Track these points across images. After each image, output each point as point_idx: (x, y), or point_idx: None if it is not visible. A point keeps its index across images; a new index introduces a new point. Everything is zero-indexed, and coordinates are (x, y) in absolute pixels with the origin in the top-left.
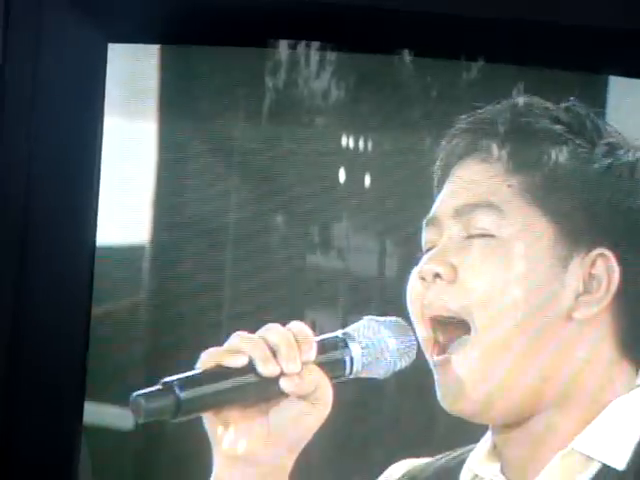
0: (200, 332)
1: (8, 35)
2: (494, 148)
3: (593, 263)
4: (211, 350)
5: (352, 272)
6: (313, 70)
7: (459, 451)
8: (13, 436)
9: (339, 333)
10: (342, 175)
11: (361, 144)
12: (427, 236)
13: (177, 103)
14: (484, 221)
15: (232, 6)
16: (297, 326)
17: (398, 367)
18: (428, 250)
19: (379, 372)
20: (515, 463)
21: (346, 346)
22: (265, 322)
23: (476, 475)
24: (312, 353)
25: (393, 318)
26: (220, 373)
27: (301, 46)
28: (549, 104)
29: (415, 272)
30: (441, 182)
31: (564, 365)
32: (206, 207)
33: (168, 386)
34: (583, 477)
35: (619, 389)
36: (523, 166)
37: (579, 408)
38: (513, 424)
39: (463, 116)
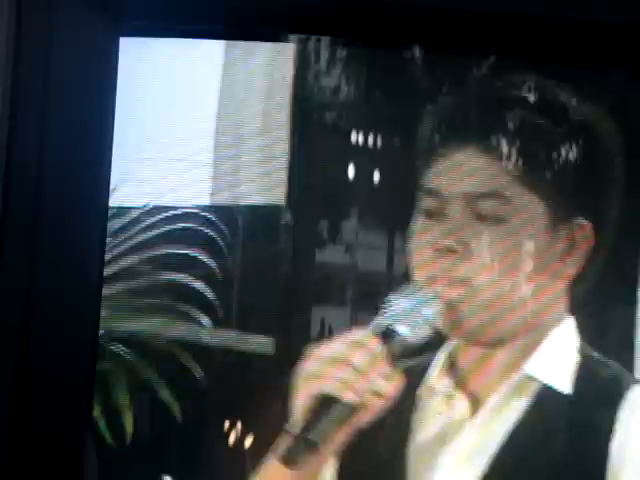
0: None
1: (20, 30)
2: (494, 140)
3: (573, 230)
4: (308, 379)
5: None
6: (323, 65)
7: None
8: (24, 438)
9: (385, 325)
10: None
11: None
12: (426, 203)
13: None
14: (493, 206)
15: (244, 0)
16: (361, 335)
17: (433, 327)
18: (427, 212)
19: (423, 337)
20: (469, 379)
21: (396, 331)
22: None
23: (431, 386)
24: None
25: (417, 289)
26: (326, 406)
27: (312, 41)
28: (526, 90)
29: (425, 240)
30: (426, 157)
31: (538, 307)
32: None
33: (298, 437)
34: (532, 399)
35: (556, 320)
36: (521, 156)
37: (530, 337)
38: (486, 344)
39: (445, 96)
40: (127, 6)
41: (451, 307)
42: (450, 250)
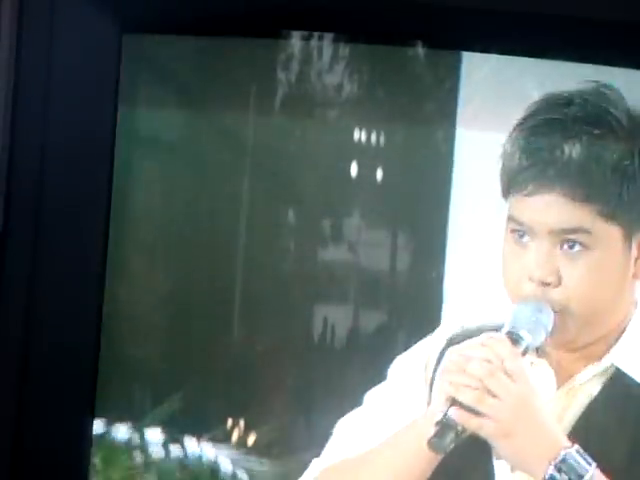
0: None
1: (22, 27)
2: (575, 183)
3: None
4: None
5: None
6: (325, 62)
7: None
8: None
9: (509, 329)
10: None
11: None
12: (512, 226)
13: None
14: (578, 239)
15: None
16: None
17: (548, 332)
18: (514, 232)
19: (540, 341)
20: (551, 353)
21: (521, 337)
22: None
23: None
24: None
25: (532, 303)
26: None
27: (314, 38)
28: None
29: (516, 269)
30: (507, 188)
31: (623, 304)
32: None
33: (444, 424)
34: (617, 388)
35: (633, 312)
36: (599, 196)
37: (611, 329)
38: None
39: (530, 143)
40: (130, 4)
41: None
42: (544, 282)
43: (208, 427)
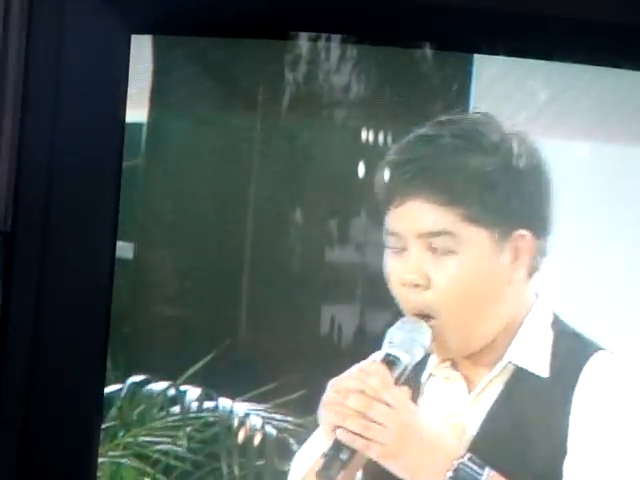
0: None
1: (32, 27)
2: (432, 191)
3: (516, 241)
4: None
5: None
6: (334, 63)
7: None
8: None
9: (387, 352)
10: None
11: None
12: (390, 242)
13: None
14: (444, 242)
15: None
16: (377, 375)
17: (426, 347)
18: (392, 249)
19: (420, 357)
20: (463, 365)
21: (398, 359)
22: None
23: (431, 373)
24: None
25: (411, 320)
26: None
27: (323, 40)
28: (452, 136)
29: (394, 275)
30: (385, 205)
31: (506, 308)
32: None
33: (330, 457)
34: (517, 384)
35: (527, 308)
36: (459, 199)
37: (510, 331)
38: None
39: (389, 157)
40: (139, 4)
41: (434, 334)
42: (414, 284)
43: (240, 385)
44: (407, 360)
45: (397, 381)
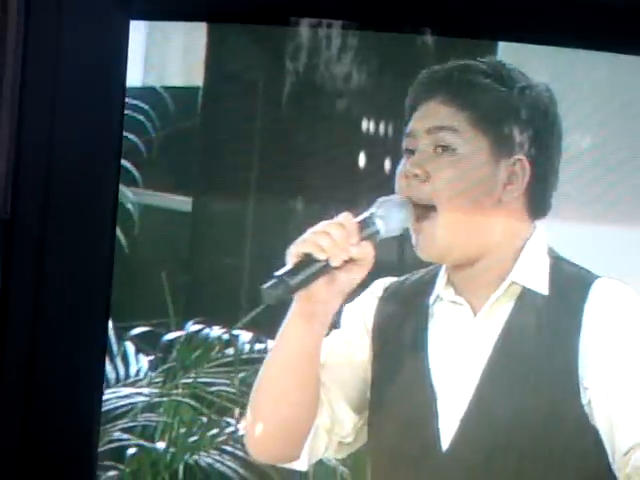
0: None
1: (30, 14)
2: (450, 94)
3: (514, 164)
4: (298, 243)
5: None
6: (335, 51)
7: (429, 268)
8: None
9: (368, 214)
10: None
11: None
12: (406, 144)
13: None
14: (447, 138)
15: None
16: (345, 218)
17: (404, 226)
18: (407, 151)
19: (395, 232)
20: (464, 288)
21: (374, 222)
22: None
23: (438, 295)
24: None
25: (396, 197)
26: (307, 262)
27: (325, 27)
28: (481, 64)
29: (400, 171)
30: (410, 112)
31: (497, 226)
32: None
33: (280, 278)
34: (518, 302)
35: (526, 236)
36: (469, 105)
37: (504, 252)
38: (464, 265)
39: (425, 70)
40: None
41: (420, 234)
42: (414, 175)
43: None
44: (381, 227)
45: (362, 240)
